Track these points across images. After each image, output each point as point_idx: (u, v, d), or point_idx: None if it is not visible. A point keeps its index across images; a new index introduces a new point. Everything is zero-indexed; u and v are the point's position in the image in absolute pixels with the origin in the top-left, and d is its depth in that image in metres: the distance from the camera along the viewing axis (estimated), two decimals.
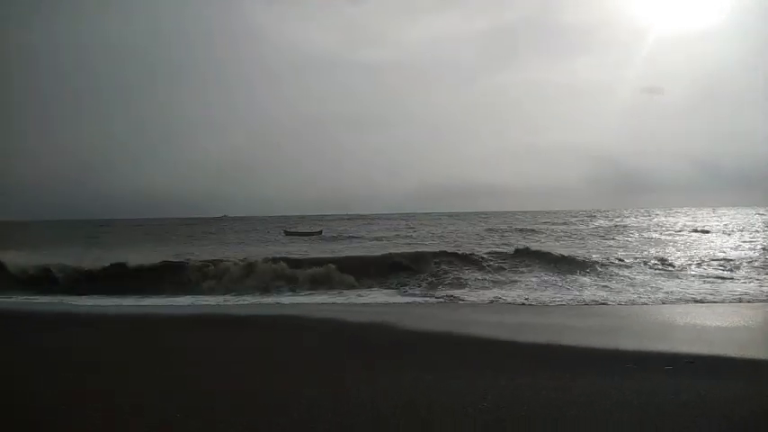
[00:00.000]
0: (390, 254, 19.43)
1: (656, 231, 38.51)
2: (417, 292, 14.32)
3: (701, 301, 11.79)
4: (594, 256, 19.45)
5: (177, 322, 9.77)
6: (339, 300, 13.32)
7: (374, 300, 13.23)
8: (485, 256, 18.90)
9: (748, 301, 11.64)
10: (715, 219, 56.78)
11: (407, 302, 12.85)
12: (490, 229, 41.94)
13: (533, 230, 39.92)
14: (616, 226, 46.39)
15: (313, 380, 5.31)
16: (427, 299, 13.33)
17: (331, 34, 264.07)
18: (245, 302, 13.19)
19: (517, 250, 19.88)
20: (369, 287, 15.31)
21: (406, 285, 15.48)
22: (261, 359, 6.17)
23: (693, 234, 35.09)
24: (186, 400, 4.53)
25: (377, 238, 36.46)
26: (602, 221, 56.38)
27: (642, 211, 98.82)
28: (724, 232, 35.78)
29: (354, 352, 6.65)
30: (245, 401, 4.61)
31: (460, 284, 15.42)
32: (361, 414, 4.36)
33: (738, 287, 13.77)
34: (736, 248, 23.63)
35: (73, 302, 13.37)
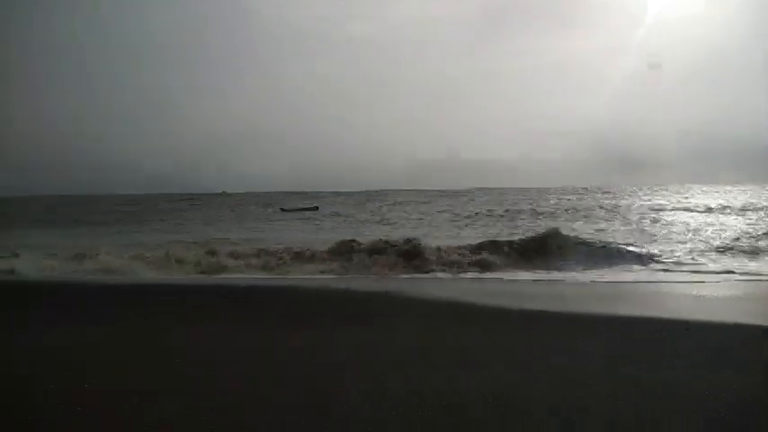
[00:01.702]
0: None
1: (698, 211, 35.73)
2: None
3: None
4: None
5: None
6: None
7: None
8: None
9: None
10: (727, 196, 54.15)
11: None
12: (508, 210, 39.95)
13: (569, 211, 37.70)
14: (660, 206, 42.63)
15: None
16: None
17: (319, 7, 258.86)
18: None
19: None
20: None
21: None
22: None
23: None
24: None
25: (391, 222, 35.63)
26: (625, 200, 53.18)
27: (646, 188, 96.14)
28: None
29: None
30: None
31: None
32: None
33: None
34: None
35: None
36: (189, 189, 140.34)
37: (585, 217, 33.62)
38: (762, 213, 32.45)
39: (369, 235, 22.73)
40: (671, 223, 28.76)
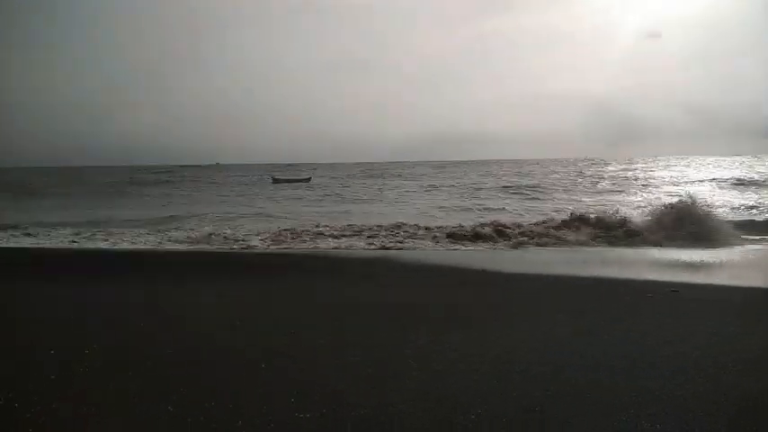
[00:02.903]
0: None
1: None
2: None
3: None
4: None
5: None
6: None
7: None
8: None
9: None
10: (744, 168, 50.75)
11: None
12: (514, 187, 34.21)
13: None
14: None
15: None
16: None
17: None
18: None
19: None
20: None
21: None
22: None
23: None
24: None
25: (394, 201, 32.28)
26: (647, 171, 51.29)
27: (651, 159, 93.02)
28: None
29: None
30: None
31: None
32: None
33: None
34: None
35: None
36: (178, 160, 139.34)
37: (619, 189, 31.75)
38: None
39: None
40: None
